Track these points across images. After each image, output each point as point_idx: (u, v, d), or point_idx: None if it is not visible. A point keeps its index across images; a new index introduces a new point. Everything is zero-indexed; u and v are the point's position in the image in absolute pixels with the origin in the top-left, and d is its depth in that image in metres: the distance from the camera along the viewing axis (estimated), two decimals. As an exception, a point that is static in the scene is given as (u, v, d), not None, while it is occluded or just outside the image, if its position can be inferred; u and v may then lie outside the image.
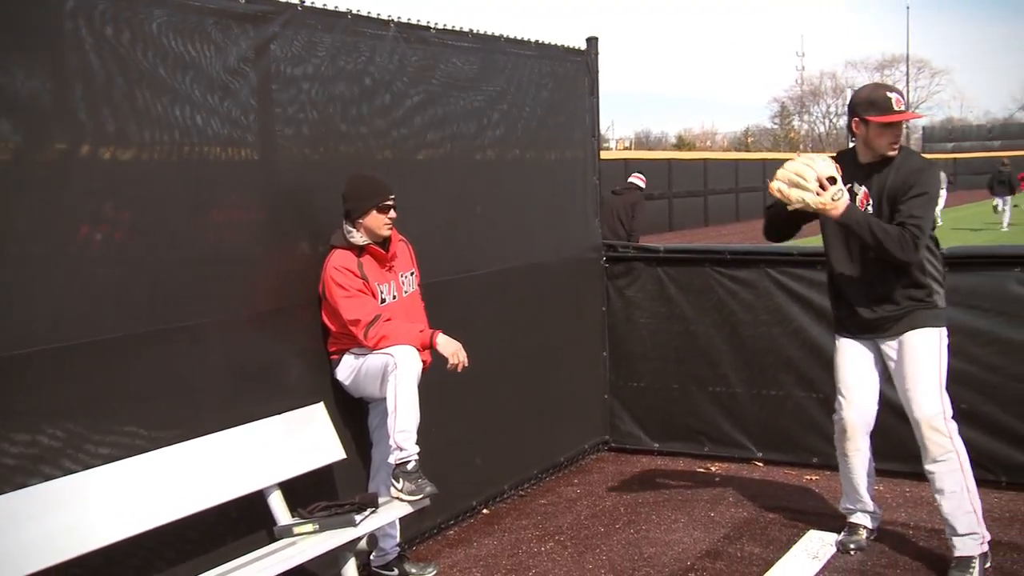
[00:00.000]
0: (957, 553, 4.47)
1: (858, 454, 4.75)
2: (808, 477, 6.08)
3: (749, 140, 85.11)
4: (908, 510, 5.39)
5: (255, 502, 4.05)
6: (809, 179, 4.36)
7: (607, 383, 6.83)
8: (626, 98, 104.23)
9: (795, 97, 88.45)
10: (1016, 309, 5.63)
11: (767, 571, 4.66)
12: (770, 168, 43.05)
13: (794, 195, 4.38)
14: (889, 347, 4.56)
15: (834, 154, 4.62)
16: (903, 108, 4.45)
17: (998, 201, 29.63)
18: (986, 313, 5.64)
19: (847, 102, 5.20)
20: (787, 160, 4.55)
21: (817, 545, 4.94)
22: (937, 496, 4.49)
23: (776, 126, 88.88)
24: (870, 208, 4.46)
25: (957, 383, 5.45)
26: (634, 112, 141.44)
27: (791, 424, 6.27)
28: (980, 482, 5.66)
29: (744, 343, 6.39)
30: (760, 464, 6.37)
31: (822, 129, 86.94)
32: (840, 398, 4.75)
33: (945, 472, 4.42)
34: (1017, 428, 5.63)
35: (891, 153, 4.44)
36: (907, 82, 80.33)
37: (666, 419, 6.69)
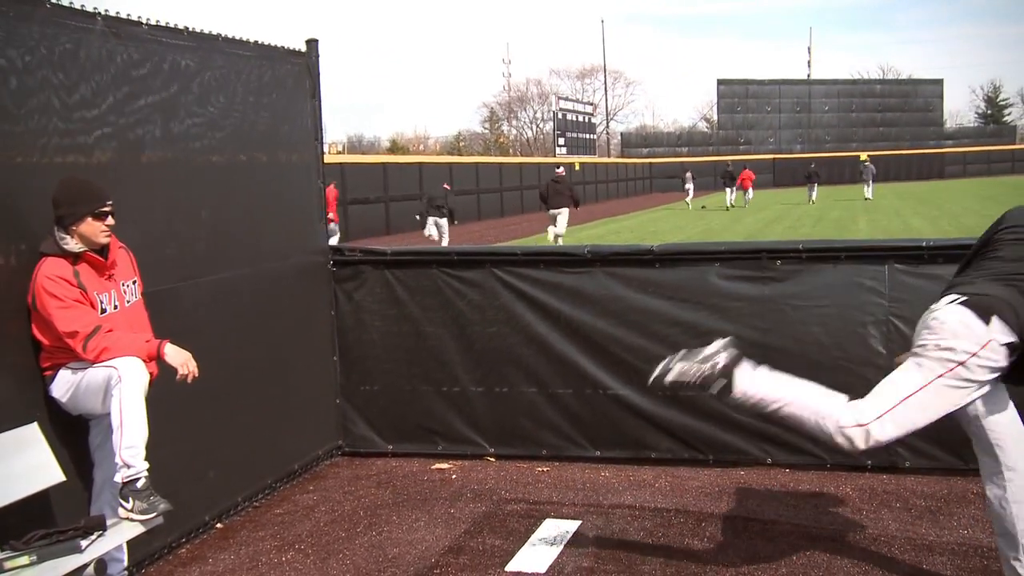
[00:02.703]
0: None
1: None
2: (540, 469, 6.30)
3: (461, 144, 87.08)
4: (634, 493, 5.72)
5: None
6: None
7: (338, 387, 6.76)
8: (336, 103, 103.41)
9: (503, 103, 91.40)
10: (716, 301, 6.11)
11: (509, 561, 4.79)
12: (483, 171, 44.37)
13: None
14: None
15: None
16: None
17: (728, 191, 42.31)
18: (692, 305, 6.07)
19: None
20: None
21: (554, 532, 5.13)
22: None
23: (487, 131, 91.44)
24: None
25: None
26: (344, 117, 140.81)
27: (521, 419, 6.46)
28: (691, 461, 6.15)
29: (473, 342, 6.52)
30: (493, 459, 6.52)
31: (530, 134, 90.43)
32: None
33: None
34: (721, 411, 6.04)
35: None
36: (605, 91, 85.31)
37: (399, 421, 6.71)
